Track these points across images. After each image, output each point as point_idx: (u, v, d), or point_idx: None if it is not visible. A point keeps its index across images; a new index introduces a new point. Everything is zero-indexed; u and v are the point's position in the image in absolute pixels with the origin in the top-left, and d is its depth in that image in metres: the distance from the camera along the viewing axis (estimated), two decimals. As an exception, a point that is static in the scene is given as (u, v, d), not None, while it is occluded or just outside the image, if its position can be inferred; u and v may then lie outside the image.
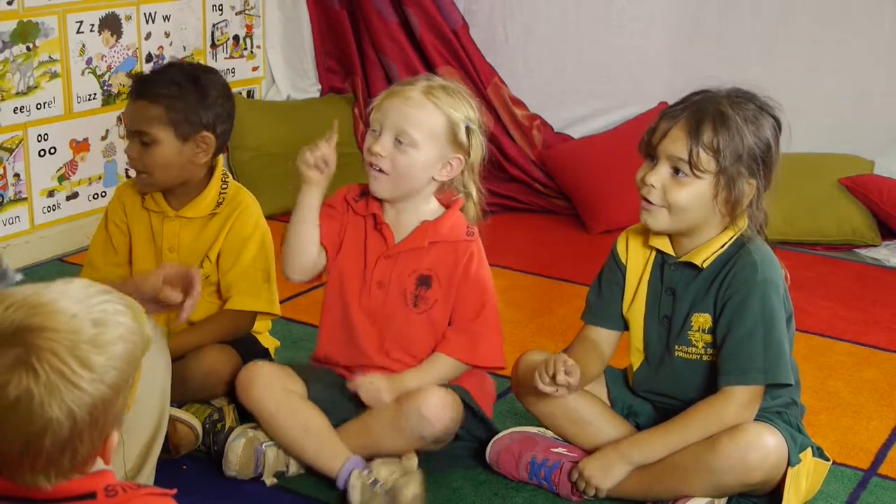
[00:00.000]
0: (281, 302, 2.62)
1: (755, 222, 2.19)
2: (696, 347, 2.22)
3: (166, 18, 3.98)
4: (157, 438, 2.13)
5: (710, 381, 2.20)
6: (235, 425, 2.40)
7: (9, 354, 1.22)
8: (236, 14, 4.31)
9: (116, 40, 3.80)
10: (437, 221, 2.34)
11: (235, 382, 2.34)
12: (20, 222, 3.60)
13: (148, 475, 2.11)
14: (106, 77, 3.78)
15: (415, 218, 2.34)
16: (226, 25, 4.27)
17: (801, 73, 3.97)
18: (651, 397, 2.33)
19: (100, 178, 3.81)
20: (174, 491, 1.35)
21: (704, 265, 2.20)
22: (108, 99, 3.80)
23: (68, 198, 3.73)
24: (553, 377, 2.15)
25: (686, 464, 2.16)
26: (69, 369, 1.22)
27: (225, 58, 4.29)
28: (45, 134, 3.61)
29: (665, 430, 2.20)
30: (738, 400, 2.14)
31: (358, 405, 2.32)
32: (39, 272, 3.51)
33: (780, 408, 2.22)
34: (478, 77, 4.35)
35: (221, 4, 4.23)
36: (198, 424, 2.39)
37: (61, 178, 3.70)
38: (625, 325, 2.34)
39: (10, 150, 3.52)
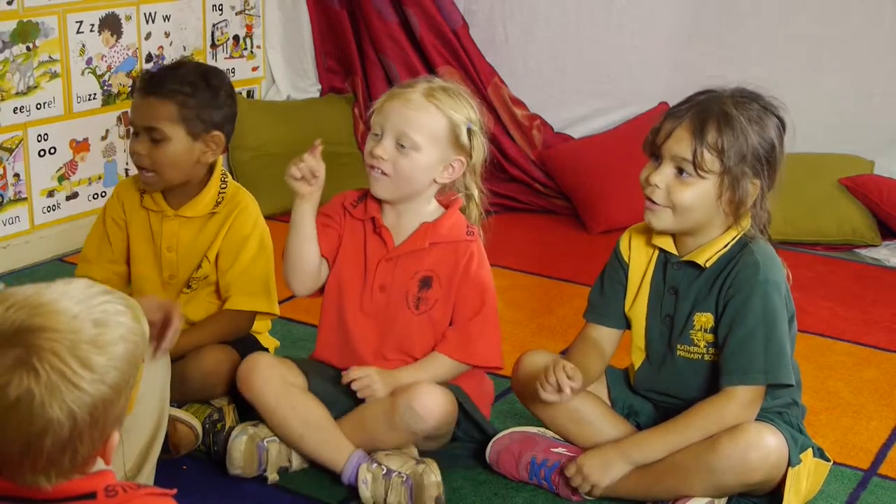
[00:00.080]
0: (281, 302, 2.62)
1: (758, 222, 2.19)
2: (698, 347, 2.22)
3: (166, 18, 3.98)
4: (157, 438, 2.13)
5: (712, 381, 2.20)
6: (235, 425, 2.40)
7: (9, 355, 1.22)
8: (236, 14, 4.31)
9: (116, 40, 3.80)
10: (436, 222, 2.33)
11: (237, 375, 2.34)
12: (20, 222, 3.60)
13: (148, 475, 2.11)
14: (106, 77, 3.78)
15: (415, 219, 2.34)
16: (226, 25, 4.27)
17: (801, 73, 3.97)
18: (652, 396, 2.33)
19: (100, 178, 3.81)
20: (174, 491, 1.35)
21: (707, 265, 2.20)
22: (108, 99, 3.80)
23: (68, 198, 3.73)
24: (556, 384, 2.15)
25: (686, 464, 2.16)
26: (70, 370, 1.22)
27: (225, 58, 4.29)
28: (45, 134, 3.61)
29: (666, 430, 2.20)
30: (740, 400, 2.14)
31: (356, 399, 2.33)
32: (39, 272, 3.51)
33: (780, 408, 2.22)
34: (478, 77, 4.35)
35: (221, 4, 4.23)
36: (198, 424, 2.39)
37: (61, 178, 3.70)
38: (627, 324, 2.34)
39: (10, 150, 3.52)
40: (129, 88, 3.86)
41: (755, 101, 2.16)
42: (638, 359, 2.32)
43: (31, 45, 3.51)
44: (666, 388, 2.29)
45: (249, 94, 4.47)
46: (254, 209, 2.53)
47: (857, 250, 3.89)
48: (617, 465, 2.22)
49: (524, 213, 4.24)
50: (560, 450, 2.33)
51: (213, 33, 4.22)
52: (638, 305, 2.29)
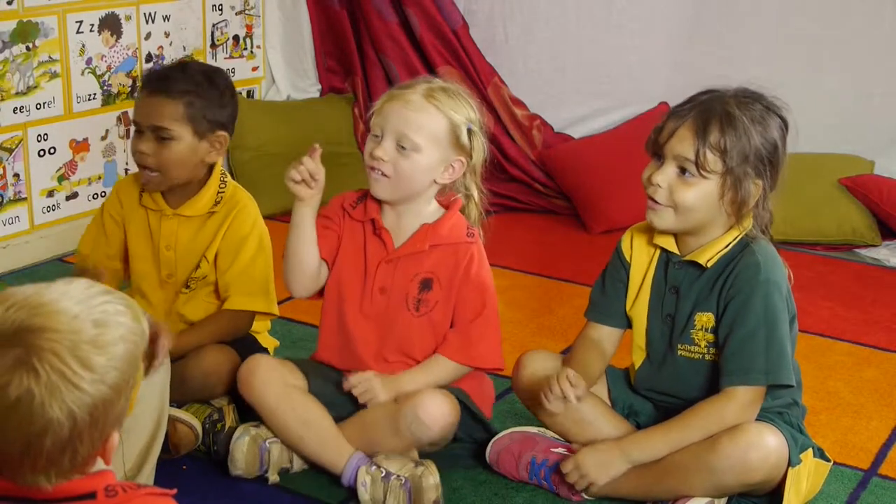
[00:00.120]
0: (281, 302, 2.62)
1: (760, 222, 2.19)
2: (699, 346, 2.22)
3: (166, 18, 3.98)
4: (157, 438, 2.13)
5: (713, 381, 2.20)
6: (235, 425, 2.40)
7: (10, 355, 1.22)
8: (236, 14, 4.31)
9: (116, 40, 3.80)
10: (436, 224, 2.33)
11: (237, 377, 2.34)
12: (20, 222, 3.60)
13: (148, 475, 2.11)
14: (106, 77, 3.78)
15: (415, 221, 2.34)
16: (226, 25, 4.27)
17: (801, 73, 3.97)
18: (653, 396, 2.33)
19: (99, 178, 3.81)
20: (174, 491, 1.35)
21: (708, 264, 2.20)
22: (108, 99, 3.80)
23: (68, 198, 3.73)
24: (561, 394, 2.16)
25: (686, 463, 2.16)
26: (70, 370, 1.22)
27: (225, 58, 4.29)
28: (45, 134, 3.61)
29: (666, 430, 2.20)
30: (740, 400, 2.14)
31: (357, 400, 2.33)
32: (39, 272, 3.51)
33: (781, 408, 2.22)
34: (478, 77, 4.35)
35: (221, 4, 4.23)
36: (198, 424, 2.39)
37: (61, 178, 3.70)
38: (628, 323, 2.33)
39: (10, 150, 3.52)
40: (129, 88, 3.86)
41: (758, 102, 2.16)
42: (638, 358, 2.32)
43: (30, 45, 3.51)
44: (666, 388, 2.29)
45: (249, 94, 4.47)
46: (253, 209, 2.53)
47: (857, 250, 3.89)
48: (616, 463, 2.21)
49: (524, 213, 4.24)
50: (560, 450, 2.32)
51: (213, 33, 4.22)
52: (639, 305, 2.29)
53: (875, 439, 2.62)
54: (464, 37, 4.38)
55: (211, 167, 2.53)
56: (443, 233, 2.33)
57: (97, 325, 1.26)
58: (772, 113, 2.16)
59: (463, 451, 2.41)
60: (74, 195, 3.74)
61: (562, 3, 4.29)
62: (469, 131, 2.29)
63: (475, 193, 2.36)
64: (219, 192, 2.51)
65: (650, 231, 2.27)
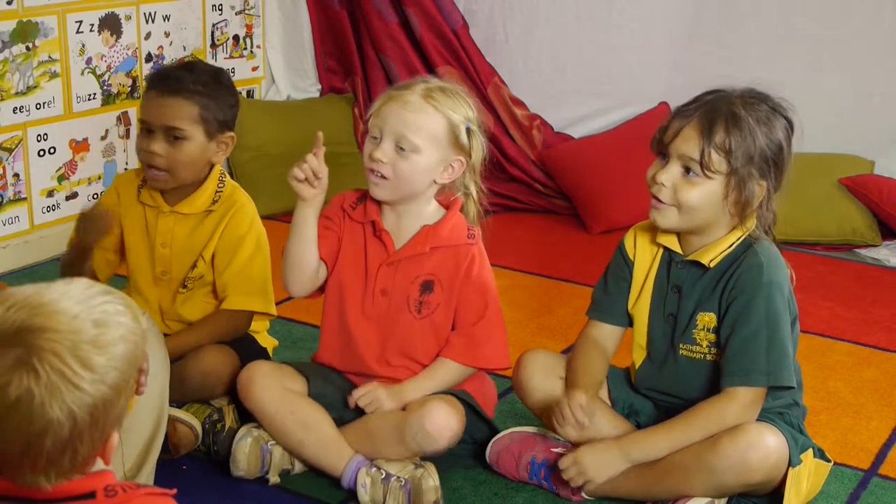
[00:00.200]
0: (281, 302, 2.61)
1: (763, 223, 2.19)
2: (701, 346, 2.22)
3: (166, 18, 3.98)
4: (157, 438, 2.13)
5: (714, 381, 2.20)
6: (235, 425, 2.40)
7: (10, 355, 1.22)
8: (236, 14, 4.31)
9: (116, 40, 3.80)
10: (437, 225, 2.33)
11: (237, 384, 2.34)
12: (20, 222, 3.60)
13: (148, 475, 2.11)
14: (106, 77, 3.78)
15: (415, 222, 2.33)
16: (226, 25, 4.27)
17: (801, 73, 3.96)
18: (653, 395, 2.33)
19: (99, 178, 3.81)
20: (174, 491, 1.35)
21: (711, 264, 2.20)
22: (108, 99, 3.80)
23: (68, 198, 3.73)
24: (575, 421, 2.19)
25: (686, 463, 2.16)
26: (70, 370, 1.22)
27: (225, 58, 4.29)
28: (45, 134, 3.61)
29: (667, 429, 2.20)
30: (741, 401, 2.14)
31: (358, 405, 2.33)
32: (39, 272, 3.51)
33: (781, 409, 2.22)
34: (478, 77, 4.35)
35: (221, 4, 4.23)
36: (197, 424, 2.39)
37: (61, 178, 3.70)
38: (629, 322, 2.33)
39: (10, 150, 3.52)
40: (129, 88, 3.86)
41: (764, 103, 2.16)
42: (639, 357, 2.32)
43: (30, 45, 3.51)
44: (667, 388, 2.29)
45: (249, 94, 4.47)
46: (250, 209, 2.53)
47: (857, 250, 3.89)
48: (615, 462, 2.21)
49: (524, 213, 4.24)
50: (560, 450, 2.32)
51: (212, 33, 4.22)
52: (641, 303, 2.29)
53: (875, 439, 2.62)
54: (464, 37, 4.37)
55: (210, 166, 2.53)
56: (443, 234, 2.32)
57: (97, 325, 1.26)
58: (777, 114, 2.16)
59: (463, 451, 2.41)
60: (74, 195, 3.74)
61: (562, 3, 4.29)
62: (468, 130, 2.28)
63: (474, 192, 2.35)
64: (217, 191, 2.52)
65: (653, 230, 2.27)
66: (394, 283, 2.33)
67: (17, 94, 3.50)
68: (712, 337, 2.21)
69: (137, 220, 2.54)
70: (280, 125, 4.29)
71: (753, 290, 2.14)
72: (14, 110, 3.50)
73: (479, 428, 2.39)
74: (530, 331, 3.16)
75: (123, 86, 3.84)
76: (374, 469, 2.24)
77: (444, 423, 2.23)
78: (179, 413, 2.37)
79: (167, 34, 3.99)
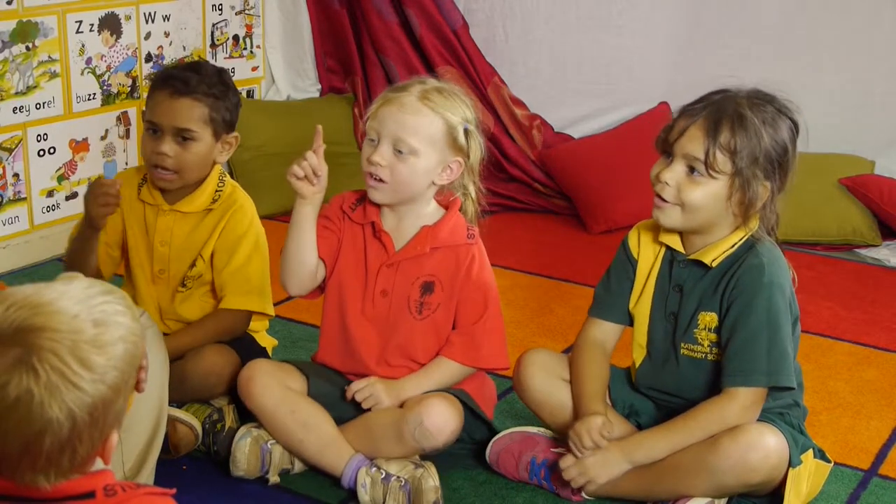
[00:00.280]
0: (282, 302, 2.61)
1: (766, 224, 2.19)
2: (702, 346, 2.22)
3: (166, 18, 3.98)
4: (156, 438, 2.13)
5: (714, 381, 2.20)
6: (235, 425, 2.40)
7: (9, 354, 1.22)
8: (236, 14, 4.31)
9: (116, 40, 3.80)
10: (436, 226, 2.32)
11: (237, 384, 2.34)
12: (20, 222, 3.60)
13: (148, 475, 2.11)
14: (105, 77, 3.78)
15: (415, 222, 2.33)
16: (226, 25, 4.27)
17: (801, 73, 3.96)
18: (654, 395, 2.33)
19: (99, 177, 3.81)
20: (174, 491, 1.35)
21: (713, 264, 2.19)
22: (108, 99, 3.80)
23: (68, 198, 3.73)
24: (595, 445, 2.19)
25: (687, 464, 2.16)
26: (70, 369, 1.22)
27: (225, 58, 4.29)
28: (45, 134, 3.61)
29: (667, 430, 2.20)
30: (741, 401, 2.14)
31: (358, 404, 2.32)
32: (39, 272, 3.51)
33: (781, 409, 2.22)
34: (478, 77, 4.35)
35: (221, 4, 4.23)
36: (197, 424, 2.39)
37: (61, 178, 3.70)
38: (630, 321, 2.33)
39: (10, 150, 3.52)
40: (129, 88, 3.86)
41: (770, 104, 2.15)
42: (639, 356, 2.32)
43: (30, 45, 3.51)
44: (668, 387, 2.29)
45: (249, 94, 4.47)
46: (250, 209, 2.53)
47: (857, 250, 3.89)
48: (617, 463, 2.21)
49: (524, 213, 4.24)
50: (560, 450, 2.32)
51: (212, 33, 4.22)
52: (642, 302, 2.29)
53: (875, 439, 2.62)
54: (464, 37, 4.37)
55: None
56: (443, 235, 2.32)
57: (97, 325, 1.26)
58: (783, 115, 2.15)
59: (463, 451, 2.41)
60: (74, 195, 3.73)
61: (562, 3, 4.29)
62: (466, 131, 2.28)
63: (472, 191, 2.35)
64: (217, 191, 2.52)
65: (656, 229, 2.27)
66: (394, 285, 2.33)
67: (17, 94, 3.50)
68: (714, 337, 2.21)
69: (137, 218, 2.54)
70: (280, 125, 4.29)
71: (754, 290, 2.14)
72: (14, 110, 3.50)
73: (478, 428, 2.39)
74: (530, 331, 3.16)
75: (123, 86, 3.84)
76: (374, 469, 2.24)
77: (443, 421, 2.23)
78: (179, 413, 2.37)
79: (167, 34, 3.99)
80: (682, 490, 2.18)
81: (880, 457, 2.54)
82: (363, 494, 2.23)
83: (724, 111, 2.12)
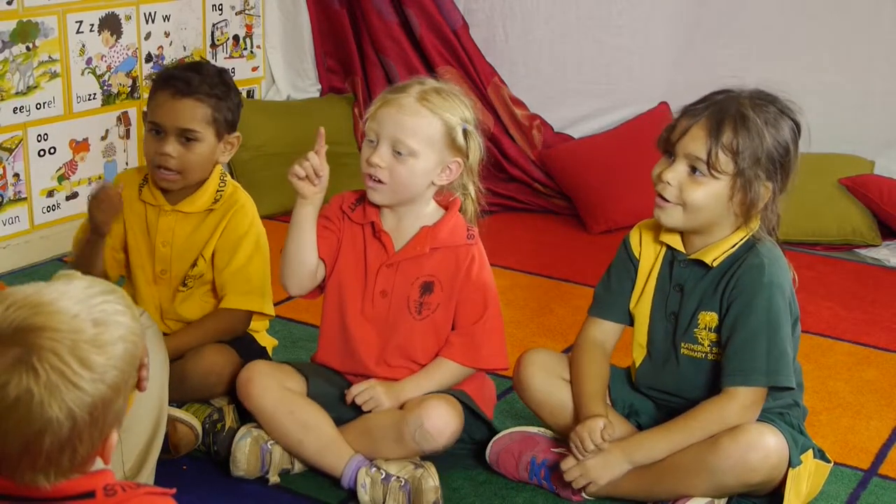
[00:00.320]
0: (282, 302, 2.61)
1: (767, 224, 2.19)
2: (702, 346, 2.22)
3: (166, 18, 3.98)
4: (156, 438, 2.13)
5: (715, 381, 2.20)
6: (235, 425, 2.40)
7: (9, 354, 1.22)
8: (236, 14, 4.31)
9: (116, 40, 3.80)
10: (436, 226, 2.32)
11: (236, 385, 2.34)
12: (20, 222, 3.60)
13: (148, 475, 2.11)
14: (106, 77, 3.78)
15: (415, 223, 2.33)
16: (226, 25, 4.27)
17: (801, 73, 3.96)
18: (654, 395, 2.33)
19: (99, 178, 3.81)
20: (174, 490, 1.35)
21: (714, 264, 2.19)
22: (108, 99, 3.80)
23: (68, 198, 3.73)
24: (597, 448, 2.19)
25: (687, 464, 2.16)
26: (69, 369, 1.22)
27: (225, 58, 4.29)
28: (45, 134, 3.61)
29: (667, 430, 2.20)
30: (741, 401, 2.14)
31: (358, 405, 2.32)
32: (39, 272, 3.51)
33: (781, 409, 2.22)
34: (478, 77, 4.35)
35: (221, 4, 4.23)
36: (197, 424, 2.39)
37: (61, 178, 3.70)
38: (630, 321, 2.33)
39: (10, 150, 3.52)
40: (129, 88, 3.86)
41: (772, 104, 2.15)
42: (639, 356, 2.32)
43: (30, 45, 3.51)
44: (668, 387, 2.29)
45: (249, 94, 4.47)
46: (251, 209, 2.53)
47: (857, 250, 3.89)
48: (618, 464, 2.21)
49: (524, 213, 4.24)
50: (560, 450, 2.32)
51: (213, 33, 4.22)
52: (643, 301, 2.29)
53: (875, 439, 2.62)
54: (464, 37, 4.37)
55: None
56: (443, 235, 2.32)
57: (97, 325, 1.26)
58: (785, 116, 2.15)
59: (463, 451, 2.41)
60: (74, 195, 3.74)
61: (562, 3, 4.29)
62: (464, 132, 2.28)
63: (472, 191, 2.35)
64: (218, 191, 2.52)
65: (656, 228, 2.27)
66: (394, 285, 2.33)
67: (17, 94, 3.50)
68: (714, 336, 2.21)
69: (138, 218, 2.54)
70: (280, 125, 4.29)
71: (754, 290, 2.14)
72: (14, 110, 3.50)
73: (478, 428, 2.39)
74: (530, 331, 3.16)
75: (123, 86, 3.84)
76: (373, 469, 2.24)
77: (444, 423, 2.23)
78: (179, 413, 2.37)
79: (167, 34, 3.99)
80: (682, 490, 2.18)
81: (880, 457, 2.54)
82: (363, 495, 2.23)
83: (726, 111, 2.12)
